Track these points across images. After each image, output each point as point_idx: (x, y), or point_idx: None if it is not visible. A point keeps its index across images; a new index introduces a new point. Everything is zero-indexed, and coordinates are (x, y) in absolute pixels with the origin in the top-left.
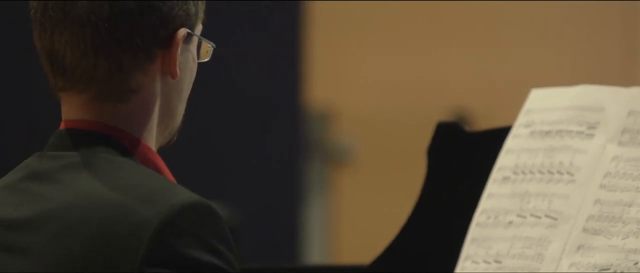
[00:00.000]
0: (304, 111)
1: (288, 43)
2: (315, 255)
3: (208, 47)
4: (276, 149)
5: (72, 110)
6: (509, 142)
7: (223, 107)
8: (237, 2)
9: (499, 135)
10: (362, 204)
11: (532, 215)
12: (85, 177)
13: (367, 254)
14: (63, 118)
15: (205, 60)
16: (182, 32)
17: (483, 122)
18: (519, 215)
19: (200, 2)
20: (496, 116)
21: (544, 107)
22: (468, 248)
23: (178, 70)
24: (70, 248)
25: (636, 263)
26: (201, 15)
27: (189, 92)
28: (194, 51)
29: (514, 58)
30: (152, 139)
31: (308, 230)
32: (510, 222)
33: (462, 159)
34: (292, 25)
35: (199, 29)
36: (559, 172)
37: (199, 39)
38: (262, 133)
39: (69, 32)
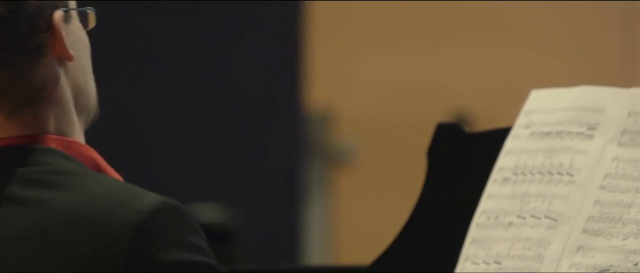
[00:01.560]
0: (304, 112)
1: (288, 44)
2: (315, 256)
3: (90, 14)
4: (276, 150)
5: None
6: (509, 143)
7: (223, 107)
8: (237, 2)
9: (499, 136)
10: (362, 205)
11: (532, 216)
12: (39, 194)
13: (367, 255)
14: None
15: (93, 26)
16: (58, 14)
17: (483, 123)
18: (518, 216)
19: None
20: (496, 117)
21: (544, 108)
22: (468, 249)
23: (70, 52)
24: (42, 269)
25: (636, 264)
26: None
27: (90, 64)
28: (78, 24)
29: (513, 59)
30: (77, 127)
31: (308, 231)
32: (510, 223)
33: (462, 160)
34: (292, 25)
35: (72, 2)
36: (559, 173)
37: (78, 11)
38: (263, 134)
39: None
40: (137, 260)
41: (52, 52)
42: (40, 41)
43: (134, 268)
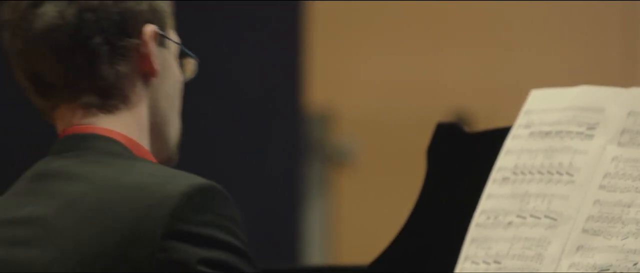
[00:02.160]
0: (304, 112)
1: (288, 44)
2: (315, 255)
3: (191, 63)
4: (276, 150)
5: (65, 120)
6: (509, 143)
7: (223, 108)
8: (237, 2)
9: (498, 136)
10: (362, 205)
11: (531, 215)
12: (96, 170)
13: (367, 255)
14: (58, 130)
15: (191, 77)
16: (150, 28)
17: (483, 122)
18: (518, 216)
19: (164, 4)
20: (496, 117)
21: (544, 108)
22: (467, 248)
23: (156, 67)
24: (89, 232)
25: (636, 264)
26: (171, 21)
27: (178, 101)
28: (174, 62)
29: (513, 59)
30: (145, 138)
31: (308, 231)
32: (510, 223)
33: (461, 160)
34: (292, 26)
35: (173, 36)
36: (559, 173)
37: (173, 41)
38: (262, 134)
39: (42, 47)
40: (178, 225)
41: (135, 60)
42: (124, 43)
43: (173, 232)
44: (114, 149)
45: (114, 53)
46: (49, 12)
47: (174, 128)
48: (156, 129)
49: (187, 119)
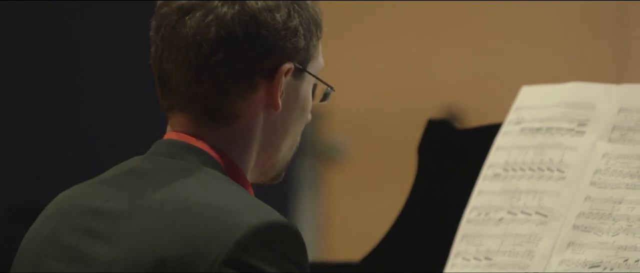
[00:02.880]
0: None
1: None
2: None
3: (324, 88)
4: None
5: (175, 124)
6: (500, 139)
7: None
8: None
9: (489, 133)
10: (354, 202)
11: (522, 212)
12: (182, 181)
13: (359, 251)
14: (168, 129)
15: (320, 102)
16: (287, 66)
17: (473, 119)
18: (509, 212)
19: (315, 39)
20: (487, 113)
21: (535, 105)
22: (458, 245)
23: (279, 103)
24: (155, 238)
25: (626, 260)
26: (316, 53)
27: (298, 131)
28: (308, 89)
29: (504, 55)
30: (248, 168)
31: (300, 227)
32: (501, 219)
33: (452, 156)
34: None
35: (314, 66)
36: (550, 169)
37: (311, 75)
38: None
39: (176, 51)
40: (239, 255)
41: (263, 95)
42: (257, 80)
43: (235, 260)
44: (209, 167)
45: (243, 83)
46: (198, 21)
47: (283, 153)
48: (263, 155)
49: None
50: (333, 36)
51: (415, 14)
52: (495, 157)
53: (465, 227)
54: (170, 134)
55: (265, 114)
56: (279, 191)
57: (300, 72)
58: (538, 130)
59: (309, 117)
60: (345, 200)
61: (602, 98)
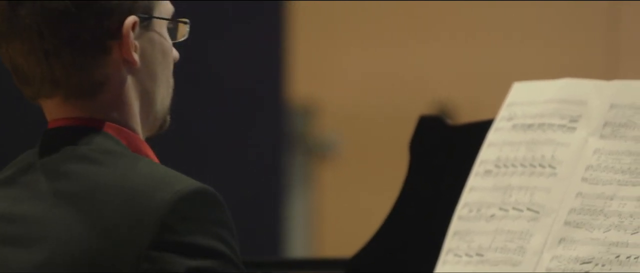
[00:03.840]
0: (286, 105)
1: (271, 38)
2: (298, 248)
3: (183, 26)
4: (259, 143)
5: (52, 111)
6: (491, 136)
7: (206, 101)
8: None
9: (481, 129)
10: (345, 198)
11: (514, 208)
12: (85, 168)
13: (350, 247)
14: (48, 119)
15: (183, 38)
16: (130, 20)
17: (465, 115)
18: (501, 209)
19: None
20: (478, 109)
21: (526, 101)
22: (450, 241)
23: (136, 58)
24: (80, 237)
25: (618, 256)
26: None
27: (167, 75)
28: (162, 33)
29: (496, 51)
30: (137, 127)
31: (291, 223)
32: (492, 216)
33: (444, 152)
34: (274, 20)
35: (161, 9)
36: (541, 165)
37: (160, 18)
38: (245, 127)
39: (20, 42)
40: (164, 235)
41: (118, 54)
42: (107, 43)
43: (159, 242)
44: (106, 145)
45: (94, 52)
46: (29, 8)
47: (161, 102)
48: (144, 109)
49: (170, 112)
50: (324, 33)
51: (407, 10)
52: (487, 153)
53: (456, 224)
54: (52, 123)
55: (128, 72)
56: (270, 187)
57: (146, 20)
58: (530, 126)
59: (175, 54)
60: (337, 196)
61: (594, 94)
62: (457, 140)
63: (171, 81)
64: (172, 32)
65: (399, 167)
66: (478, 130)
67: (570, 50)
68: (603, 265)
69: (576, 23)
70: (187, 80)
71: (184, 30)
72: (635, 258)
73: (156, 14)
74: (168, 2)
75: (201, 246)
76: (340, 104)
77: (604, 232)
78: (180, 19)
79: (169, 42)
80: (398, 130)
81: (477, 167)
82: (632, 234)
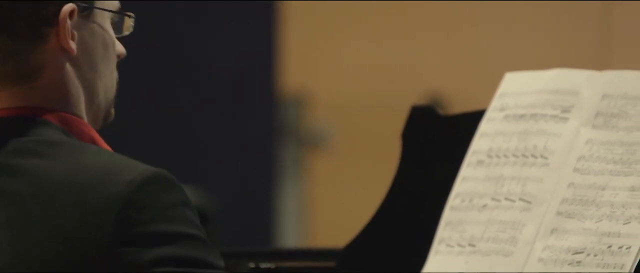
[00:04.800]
0: (279, 96)
1: (263, 28)
2: (290, 238)
3: (128, 20)
4: (251, 134)
5: None
6: (483, 126)
7: (198, 92)
8: None
9: (473, 119)
10: (337, 188)
11: (506, 198)
12: (33, 164)
13: (342, 238)
14: None
15: (127, 33)
16: (67, 8)
17: (457, 105)
18: (493, 199)
19: None
20: (470, 100)
21: (518, 91)
22: (442, 231)
23: (72, 46)
24: (37, 238)
25: (609, 246)
26: None
27: (110, 67)
28: (104, 25)
29: (488, 42)
30: (82, 114)
31: (283, 214)
32: (485, 206)
33: (436, 143)
34: (267, 10)
35: (104, 1)
36: (533, 156)
37: (101, 9)
38: (238, 118)
39: None
40: (124, 229)
41: (55, 41)
42: (41, 29)
43: (121, 236)
44: (50, 135)
45: (30, 38)
46: None
47: (103, 93)
48: (87, 99)
49: (163, 103)
50: (316, 24)
51: (399, 1)
52: (479, 144)
53: (448, 214)
54: None
55: (66, 60)
56: (262, 177)
57: (87, 10)
58: (522, 116)
59: (120, 49)
60: (329, 186)
61: (586, 84)
62: (449, 131)
63: (115, 74)
64: (118, 26)
65: (391, 158)
66: (470, 121)
67: (563, 40)
68: (595, 255)
69: (568, 13)
70: (179, 71)
71: (128, 25)
72: (627, 248)
73: (98, 5)
74: None
75: (167, 232)
76: (332, 94)
77: (596, 222)
78: (125, 12)
79: (112, 35)
80: (390, 120)
81: (470, 158)
82: (624, 224)
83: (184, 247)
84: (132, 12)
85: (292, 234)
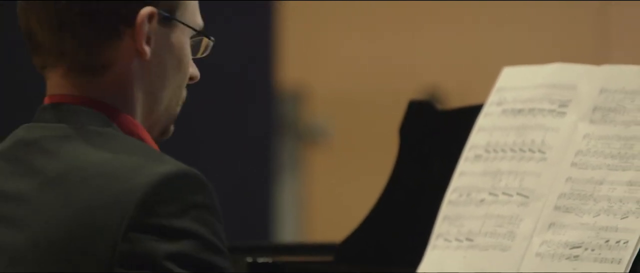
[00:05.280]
0: (277, 91)
1: (261, 23)
2: (288, 233)
3: (206, 42)
4: (249, 129)
5: (53, 85)
6: (481, 120)
7: (196, 87)
8: None
9: (471, 114)
10: (335, 183)
11: (503, 193)
12: (73, 148)
13: (340, 233)
14: (47, 94)
15: (203, 55)
16: (146, 10)
17: (455, 100)
18: (490, 193)
19: None
20: (468, 94)
21: (516, 85)
22: (440, 226)
23: (146, 50)
24: (62, 217)
25: (607, 241)
26: (186, 3)
27: (178, 83)
28: (183, 42)
29: (486, 36)
30: (136, 117)
31: (281, 209)
32: (482, 200)
33: (434, 137)
34: (265, 5)
35: (188, 17)
36: (531, 150)
37: (182, 24)
38: (236, 113)
39: (38, 9)
40: (143, 217)
41: (130, 42)
42: (120, 27)
43: (139, 222)
44: (96, 124)
45: (106, 32)
46: None
47: (165, 107)
48: (146, 106)
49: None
50: (314, 18)
51: None
52: (477, 138)
53: (446, 208)
54: (50, 97)
55: (137, 62)
56: (260, 172)
57: (167, 20)
58: (519, 111)
59: (194, 72)
60: (327, 181)
61: (584, 79)
62: (447, 125)
63: (183, 93)
64: (195, 46)
65: (389, 153)
66: (468, 115)
67: (561, 35)
68: (592, 250)
69: (566, 8)
70: None
71: (205, 47)
72: (624, 243)
73: (179, 18)
74: (199, 16)
75: (181, 229)
76: (330, 89)
77: (593, 217)
78: (206, 34)
79: (188, 52)
80: (388, 115)
81: (467, 152)
82: (621, 219)
83: (197, 248)
84: None
85: (290, 229)
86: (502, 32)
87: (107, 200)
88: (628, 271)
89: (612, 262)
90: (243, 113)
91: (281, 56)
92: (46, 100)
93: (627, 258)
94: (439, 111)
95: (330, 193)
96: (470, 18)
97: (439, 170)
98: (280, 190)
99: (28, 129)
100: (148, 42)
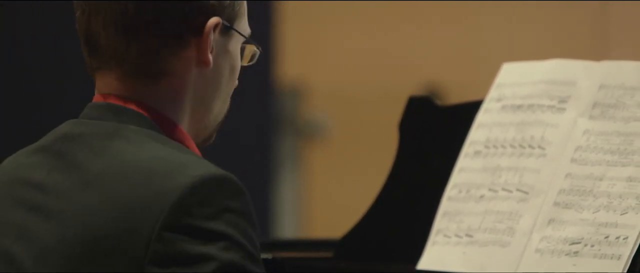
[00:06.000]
0: (275, 87)
1: (260, 18)
2: (287, 230)
3: (253, 50)
4: (248, 125)
5: (104, 85)
6: (481, 116)
7: None
8: None
9: (470, 110)
10: (334, 179)
11: (503, 189)
12: (116, 146)
13: (339, 229)
14: (96, 92)
15: (249, 63)
16: (214, 20)
17: (454, 96)
18: (490, 189)
19: (238, 1)
20: (468, 90)
21: (516, 81)
22: (439, 222)
23: (210, 59)
24: (98, 213)
25: (607, 237)
26: (242, 12)
27: (228, 91)
28: (236, 49)
29: (485, 32)
30: (184, 126)
31: (280, 205)
32: (482, 196)
33: (433, 133)
34: (264, 1)
35: (242, 26)
36: (531, 146)
37: (238, 33)
38: (234, 108)
39: (103, 13)
40: (178, 216)
41: (193, 52)
42: (186, 36)
43: (173, 222)
44: (143, 128)
45: (172, 40)
46: None
47: (215, 113)
48: (197, 114)
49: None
50: (313, 14)
51: None
52: (477, 134)
53: (446, 204)
54: (99, 96)
55: (196, 72)
56: (259, 168)
57: (227, 29)
58: (519, 107)
59: (236, 82)
60: (326, 177)
61: (583, 75)
62: (446, 121)
63: (229, 102)
64: (241, 53)
65: (388, 148)
66: (467, 111)
67: (560, 31)
68: (592, 246)
69: (566, 4)
70: None
71: (251, 55)
72: (624, 239)
73: (237, 28)
74: (247, 24)
75: (215, 232)
76: (329, 85)
77: (593, 213)
78: (254, 43)
79: (239, 61)
80: (387, 111)
81: (467, 148)
82: (621, 215)
83: (230, 252)
84: None
85: (289, 225)
86: (501, 28)
87: (143, 199)
88: (628, 267)
89: (611, 258)
90: (242, 109)
91: (280, 52)
92: (95, 99)
93: (627, 254)
94: (439, 107)
95: (329, 189)
96: (470, 14)
97: (439, 166)
98: (279, 185)
99: (73, 125)
100: (211, 51)
